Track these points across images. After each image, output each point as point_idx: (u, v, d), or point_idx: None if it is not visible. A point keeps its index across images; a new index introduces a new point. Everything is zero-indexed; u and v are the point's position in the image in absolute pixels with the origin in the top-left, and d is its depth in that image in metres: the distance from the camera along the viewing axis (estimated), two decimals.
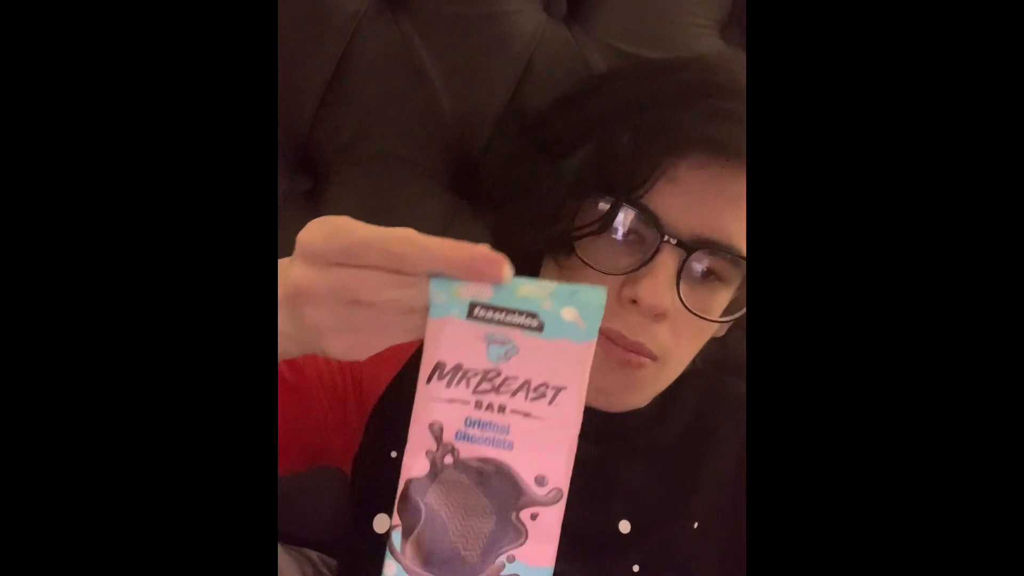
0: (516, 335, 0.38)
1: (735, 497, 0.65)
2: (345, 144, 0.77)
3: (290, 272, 0.40)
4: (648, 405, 0.68)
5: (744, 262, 0.58)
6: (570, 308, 0.38)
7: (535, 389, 0.39)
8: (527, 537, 0.39)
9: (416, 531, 0.39)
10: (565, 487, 0.39)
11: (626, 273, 0.57)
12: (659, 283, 0.56)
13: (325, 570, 0.80)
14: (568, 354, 0.38)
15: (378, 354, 0.64)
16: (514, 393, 0.39)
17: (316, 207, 0.78)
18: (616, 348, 0.59)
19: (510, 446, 0.39)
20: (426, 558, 0.39)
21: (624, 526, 0.63)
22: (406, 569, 0.39)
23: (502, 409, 0.39)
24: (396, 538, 0.39)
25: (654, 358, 0.59)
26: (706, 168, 0.56)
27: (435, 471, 0.39)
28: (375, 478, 0.63)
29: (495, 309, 0.38)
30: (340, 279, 0.39)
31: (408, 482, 0.39)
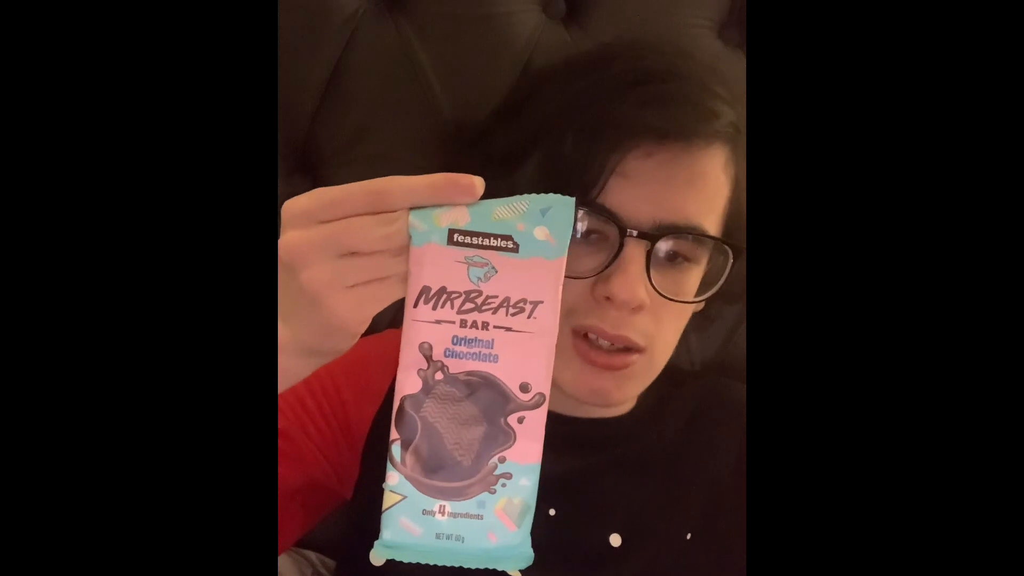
0: (494, 257, 0.41)
1: (730, 505, 0.64)
2: (344, 145, 0.77)
3: (281, 241, 0.41)
4: (639, 413, 0.68)
5: (709, 240, 0.60)
6: (541, 228, 0.41)
7: (515, 305, 0.42)
8: (515, 438, 0.43)
9: (414, 443, 0.42)
10: (547, 391, 0.43)
11: (596, 274, 0.58)
12: (630, 277, 0.56)
13: (324, 571, 0.80)
14: (542, 271, 0.42)
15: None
16: (496, 310, 0.42)
17: None
18: (600, 354, 0.59)
19: (495, 359, 0.42)
20: (425, 466, 0.43)
21: (615, 539, 0.63)
22: (408, 478, 0.43)
23: (485, 326, 0.42)
24: (396, 451, 0.43)
25: (640, 350, 0.60)
26: (653, 156, 0.57)
27: (427, 387, 0.42)
28: (372, 508, 0.63)
29: (473, 234, 0.41)
30: (330, 231, 0.41)
31: (403, 399, 0.42)
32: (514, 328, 0.42)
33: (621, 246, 0.56)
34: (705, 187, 0.59)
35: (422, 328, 0.42)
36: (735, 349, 0.83)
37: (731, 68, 0.76)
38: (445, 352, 0.42)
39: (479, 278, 0.41)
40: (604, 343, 0.59)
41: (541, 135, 0.60)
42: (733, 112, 0.59)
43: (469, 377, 0.42)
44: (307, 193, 0.42)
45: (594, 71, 0.61)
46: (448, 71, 0.76)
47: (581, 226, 0.58)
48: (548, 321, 0.42)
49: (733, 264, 0.60)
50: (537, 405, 0.42)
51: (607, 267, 0.57)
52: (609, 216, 0.57)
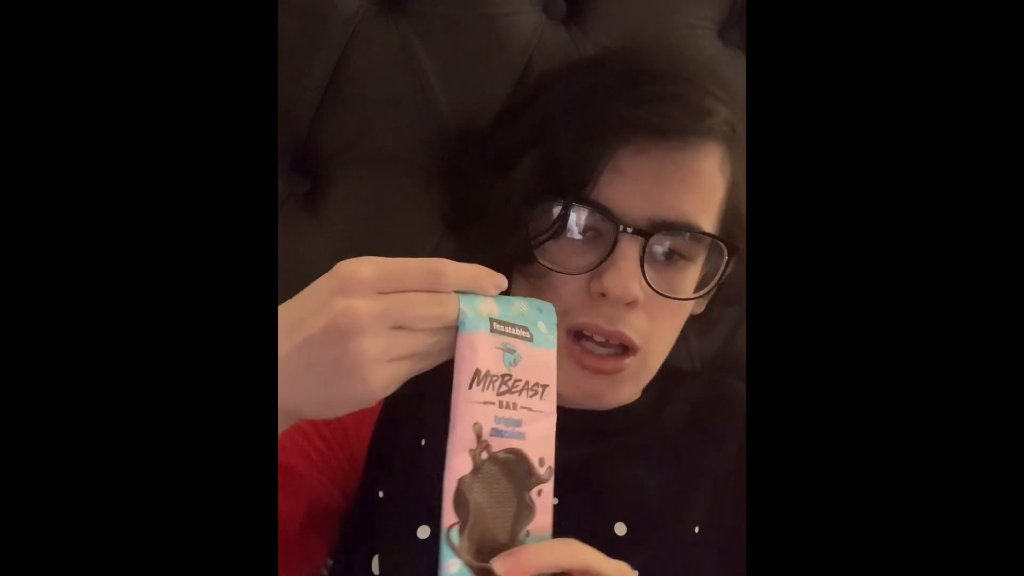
0: (519, 345, 0.46)
1: (736, 502, 0.64)
2: (343, 146, 0.77)
3: (337, 304, 0.41)
4: (641, 404, 0.68)
5: (705, 238, 0.60)
6: (541, 322, 0.47)
7: (531, 388, 0.46)
8: (536, 512, 0.45)
9: (468, 526, 0.44)
10: (553, 464, 0.46)
11: (591, 270, 0.58)
12: (624, 273, 0.57)
13: (324, 571, 0.80)
14: (547, 358, 0.47)
15: (359, 412, 0.65)
16: (520, 392, 0.45)
17: (315, 209, 0.78)
18: (593, 357, 0.59)
19: (523, 436, 0.45)
20: (477, 550, 0.44)
21: (620, 528, 0.62)
22: (467, 564, 0.43)
23: (514, 406, 0.45)
24: (455, 536, 0.43)
25: (635, 350, 0.60)
26: (647, 152, 0.57)
27: (476, 467, 0.44)
28: (367, 519, 0.63)
29: (505, 324, 0.45)
30: (388, 304, 0.42)
31: (460, 481, 0.44)
32: (533, 408, 0.46)
33: (616, 242, 0.57)
34: (700, 185, 0.59)
35: (475, 409, 0.44)
36: (734, 350, 0.83)
37: (729, 69, 0.76)
38: (490, 431, 0.44)
39: (511, 363, 0.45)
40: (599, 341, 0.59)
41: (537, 134, 0.61)
42: (729, 111, 0.60)
43: (507, 455, 0.45)
44: (366, 260, 0.43)
45: (592, 73, 0.62)
46: (448, 71, 0.76)
47: (576, 225, 0.58)
48: (552, 402, 0.47)
49: (729, 263, 0.60)
50: (549, 477, 0.46)
51: (601, 263, 0.57)
52: (603, 212, 0.57)
